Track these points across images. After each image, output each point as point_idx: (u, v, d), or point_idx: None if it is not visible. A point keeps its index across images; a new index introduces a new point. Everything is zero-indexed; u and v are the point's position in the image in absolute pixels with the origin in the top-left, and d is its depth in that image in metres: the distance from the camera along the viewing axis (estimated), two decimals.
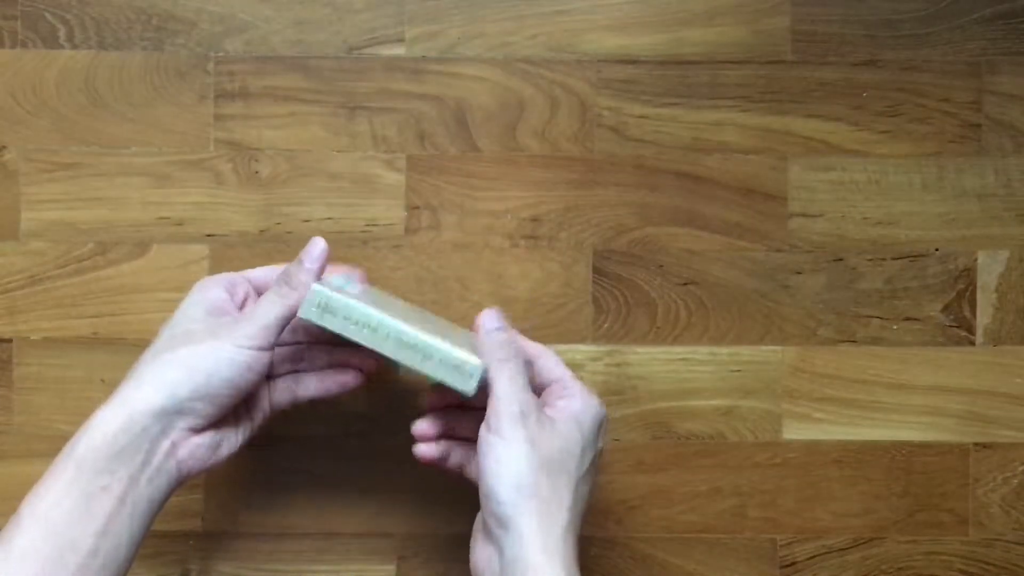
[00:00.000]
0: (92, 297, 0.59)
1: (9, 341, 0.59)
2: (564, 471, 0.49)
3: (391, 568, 0.60)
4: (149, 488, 0.47)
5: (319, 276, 0.51)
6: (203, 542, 0.59)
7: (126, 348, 0.59)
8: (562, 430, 0.50)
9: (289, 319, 0.50)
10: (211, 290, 0.52)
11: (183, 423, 0.48)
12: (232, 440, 0.51)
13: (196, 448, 0.49)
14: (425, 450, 0.53)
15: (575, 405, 0.51)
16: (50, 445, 0.59)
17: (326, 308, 0.49)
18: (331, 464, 0.60)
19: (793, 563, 0.60)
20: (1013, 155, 0.60)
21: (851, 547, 0.60)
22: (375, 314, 0.49)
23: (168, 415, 0.48)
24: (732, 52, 0.60)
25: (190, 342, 0.49)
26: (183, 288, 0.59)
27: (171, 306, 0.59)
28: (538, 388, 0.53)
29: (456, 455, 0.53)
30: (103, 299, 0.59)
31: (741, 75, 0.60)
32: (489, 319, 0.52)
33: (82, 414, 0.59)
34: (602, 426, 0.52)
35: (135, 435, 0.47)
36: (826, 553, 0.60)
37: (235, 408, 0.51)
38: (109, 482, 0.46)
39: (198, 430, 0.49)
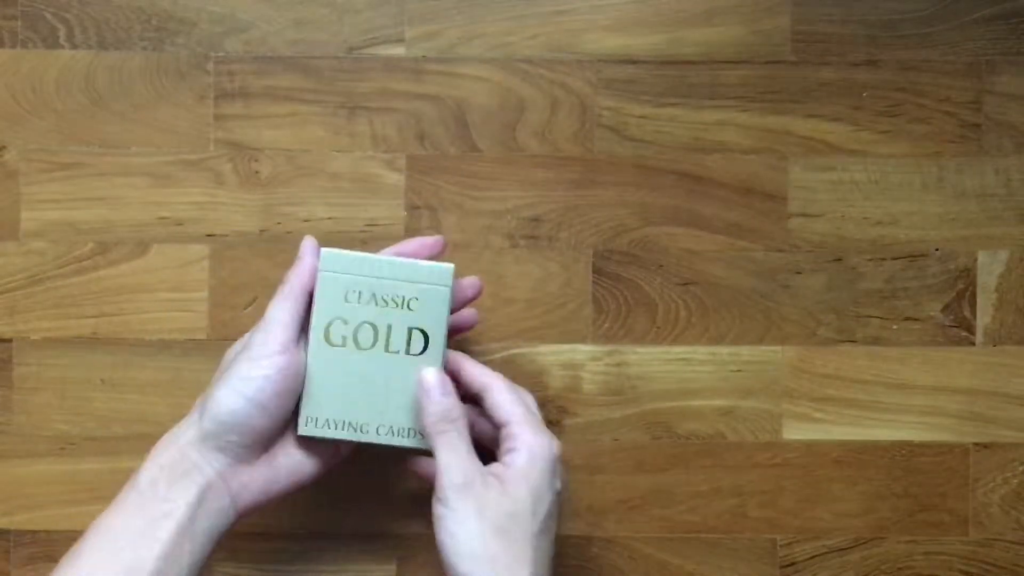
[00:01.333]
0: (92, 297, 0.59)
1: (9, 341, 0.59)
2: (519, 531, 0.49)
3: (391, 568, 0.60)
4: (208, 519, 0.49)
5: (314, 268, 0.51)
6: None
7: (126, 348, 0.59)
8: (511, 491, 0.49)
9: (297, 308, 0.50)
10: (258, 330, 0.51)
11: (225, 458, 0.49)
12: (289, 476, 0.51)
13: (249, 481, 0.50)
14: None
15: (520, 459, 0.50)
16: (50, 445, 0.59)
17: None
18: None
19: (793, 563, 0.60)
20: (1013, 155, 0.60)
21: (851, 547, 0.60)
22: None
23: (210, 451, 0.49)
24: (732, 52, 0.60)
25: (221, 376, 0.50)
26: (183, 288, 0.59)
27: (171, 306, 0.59)
28: (491, 426, 0.53)
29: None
30: (103, 299, 0.59)
31: (741, 75, 0.60)
32: (430, 385, 0.51)
33: (82, 414, 0.59)
34: (555, 467, 0.51)
35: (187, 468, 0.48)
36: (826, 553, 0.60)
37: (288, 439, 0.51)
38: (171, 509, 0.48)
39: (247, 462, 0.50)
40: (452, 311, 0.54)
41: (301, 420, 0.51)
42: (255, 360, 0.49)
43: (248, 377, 0.49)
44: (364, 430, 0.52)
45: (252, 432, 0.49)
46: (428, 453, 0.51)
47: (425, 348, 0.52)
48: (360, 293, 0.51)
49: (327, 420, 0.51)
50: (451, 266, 0.52)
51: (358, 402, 0.51)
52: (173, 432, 0.50)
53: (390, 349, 0.52)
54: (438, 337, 0.52)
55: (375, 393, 0.51)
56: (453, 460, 0.49)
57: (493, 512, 0.48)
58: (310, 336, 0.51)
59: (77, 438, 0.59)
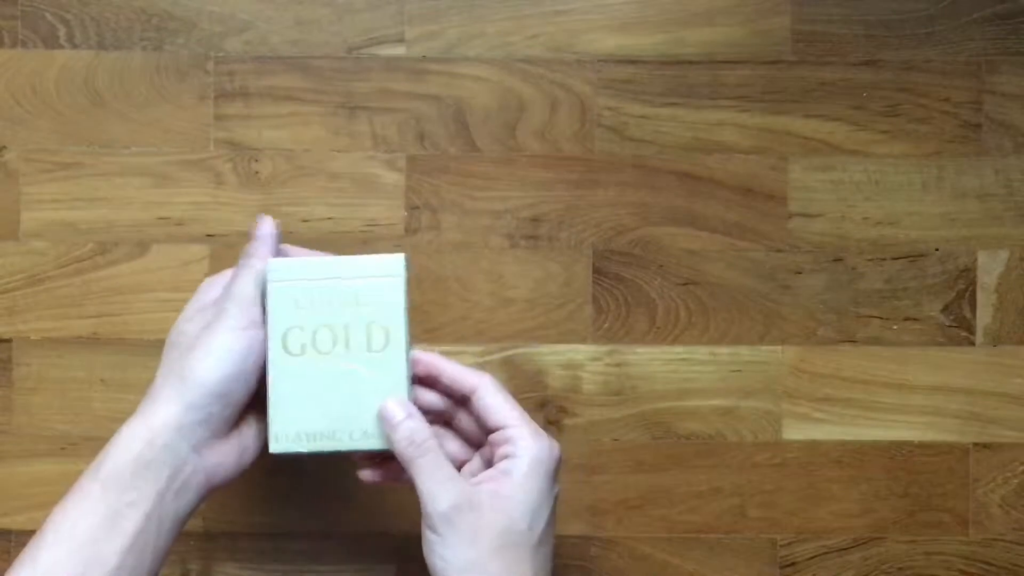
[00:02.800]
0: (92, 297, 0.59)
1: (9, 341, 0.59)
2: (516, 548, 0.47)
3: (391, 568, 0.60)
4: (176, 503, 0.47)
5: (275, 245, 0.51)
6: (203, 542, 0.59)
7: (126, 348, 0.59)
8: (506, 507, 0.47)
9: (260, 292, 0.50)
10: (208, 292, 0.52)
11: (204, 431, 0.48)
12: (256, 442, 0.51)
13: (224, 455, 0.49)
14: (370, 475, 0.52)
15: (522, 467, 0.47)
16: (50, 445, 0.59)
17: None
18: (331, 464, 0.59)
19: (793, 563, 0.60)
20: (1013, 155, 0.60)
21: (851, 547, 0.60)
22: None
23: (190, 426, 0.47)
24: (732, 52, 0.60)
25: (191, 347, 0.49)
26: (183, 288, 0.59)
27: (171, 306, 0.59)
28: (481, 430, 0.50)
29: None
30: (103, 299, 0.59)
31: (741, 75, 0.60)
32: (391, 413, 0.49)
33: (82, 414, 0.59)
34: (556, 473, 0.49)
35: (159, 450, 0.47)
36: (826, 553, 0.60)
37: (251, 407, 0.51)
38: (135, 499, 0.46)
39: (222, 435, 0.49)
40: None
41: (271, 438, 0.49)
42: (235, 331, 0.48)
43: (232, 348, 0.48)
44: (337, 437, 0.50)
45: (233, 403, 0.48)
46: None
47: (387, 343, 0.50)
48: (312, 298, 0.50)
49: (297, 434, 0.50)
50: (401, 256, 0.50)
51: (327, 410, 0.50)
52: (140, 418, 0.48)
53: (351, 349, 0.50)
54: (398, 330, 0.50)
55: (341, 397, 0.50)
56: (434, 487, 0.47)
57: (488, 534, 0.46)
58: (268, 349, 0.50)
59: (77, 438, 0.59)
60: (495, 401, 0.49)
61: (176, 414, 0.47)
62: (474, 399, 0.50)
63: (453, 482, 0.47)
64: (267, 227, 0.52)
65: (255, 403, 0.51)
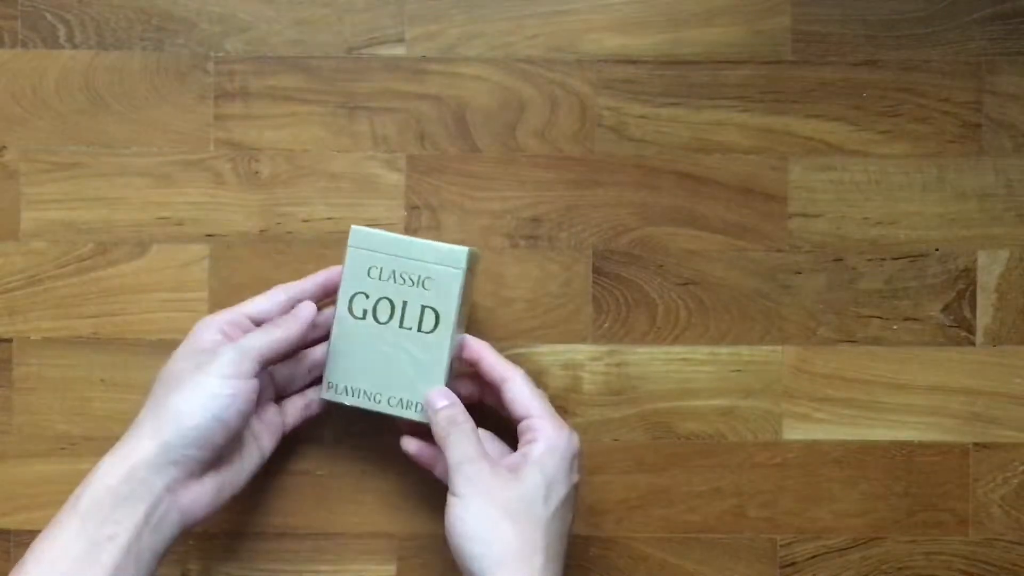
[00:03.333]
0: (92, 297, 0.59)
1: (9, 341, 0.59)
2: (529, 515, 0.50)
3: (391, 568, 0.60)
4: (153, 537, 0.48)
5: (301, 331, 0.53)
6: (203, 542, 0.59)
7: (126, 348, 0.59)
8: (523, 476, 0.51)
9: (278, 350, 0.51)
10: (204, 333, 0.52)
11: (178, 472, 0.48)
12: (235, 480, 0.52)
13: (198, 495, 0.50)
14: (413, 446, 0.56)
15: (537, 449, 0.52)
16: (50, 445, 0.59)
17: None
18: (331, 464, 0.60)
19: (793, 563, 0.60)
20: (1013, 155, 0.60)
21: (851, 547, 0.60)
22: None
23: (164, 465, 0.48)
24: (732, 52, 0.60)
25: (178, 386, 0.49)
26: (183, 288, 0.59)
27: (171, 306, 0.59)
28: (512, 417, 0.54)
29: (442, 465, 0.55)
30: (103, 299, 0.59)
31: (741, 75, 0.60)
32: (433, 400, 0.53)
33: (82, 414, 0.59)
34: (574, 460, 0.53)
35: (136, 486, 0.47)
36: (826, 553, 0.60)
37: (234, 447, 0.52)
38: (115, 531, 0.47)
39: (197, 476, 0.49)
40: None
41: (324, 385, 0.55)
42: (227, 379, 0.49)
43: (217, 394, 0.49)
44: (377, 400, 0.55)
45: (211, 448, 0.49)
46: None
47: (436, 327, 0.54)
48: (382, 270, 0.54)
49: (346, 388, 0.55)
50: (466, 249, 0.54)
51: (373, 373, 0.54)
52: (119, 453, 0.48)
53: (404, 325, 0.54)
54: (449, 317, 0.54)
55: (389, 366, 0.54)
56: (460, 454, 0.51)
57: (502, 496, 0.50)
58: (337, 307, 0.55)
59: (77, 438, 0.59)
60: (522, 393, 0.53)
61: (151, 452, 0.48)
62: (504, 389, 0.54)
63: (479, 453, 0.51)
64: (304, 315, 0.53)
65: (237, 444, 0.52)
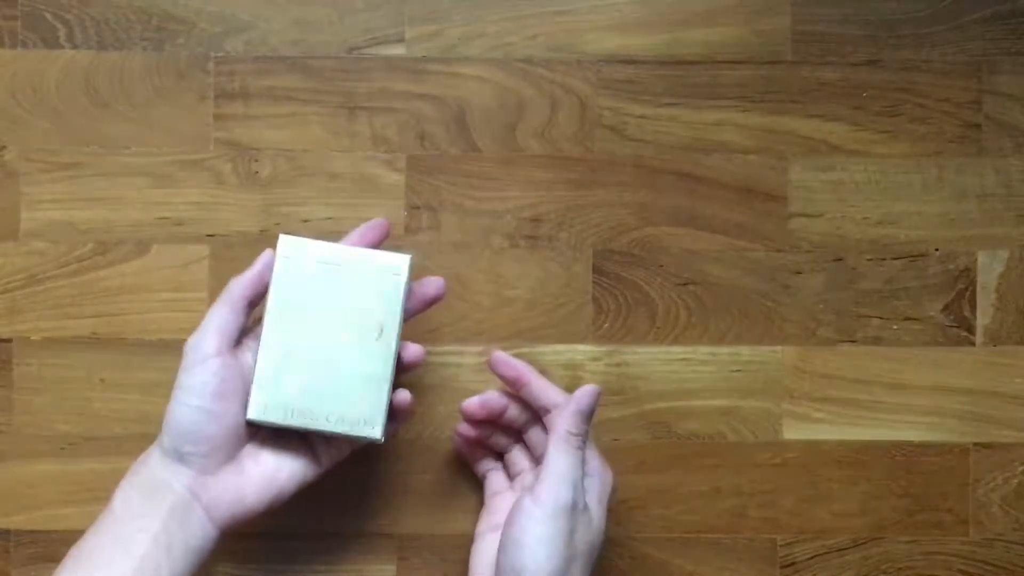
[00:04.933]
0: (92, 297, 0.59)
1: (9, 341, 0.59)
2: (589, 562, 0.51)
3: (391, 568, 0.60)
4: (182, 531, 0.49)
5: (260, 278, 0.51)
6: None
7: (126, 348, 0.59)
8: (596, 523, 0.52)
9: (234, 322, 0.51)
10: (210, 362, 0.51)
11: (191, 469, 0.50)
12: (259, 478, 0.51)
13: (220, 492, 0.50)
14: (466, 429, 0.56)
15: (598, 488, 0.53)
16: (50, 445, 0.59)
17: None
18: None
19: (793, 563, 0.60)
20: (1013, 155, 0.60)
21: (851, 547, 0.60)
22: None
23: (173, 465, 0.50)
24: (732, 52, 0.60)
25: (173, 391, 0.50)
26: (183, 288, 0.59)
27: (171, 306, 0.59)
28: (536, 411, 0.55)
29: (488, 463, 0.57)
30: (103, 299, 0.59)
31: (741, 75, 0.60)
32: (585, 394, 0.52)
33: (82, 414, 0.59)
34: (606, 490, 0.54)
35: (157, 484, 0.49)
36: (826, 553, 0.60)
37: (263, 447, 0.52)
38: (143, 525, 0.48)
39: (211, 472, 0.50)
40: (414, 310, 0.54)
41: (250, 405, 0.51)
42: (190, 368, 0.50)
43: (187, 386, 0.49)
44: (314, 417, 0.51)
45: (206, 439, 0.49)
46: (371, 445, 0.52)
47: (379, 337, 0.51)
48: (316, 279, 0.51)
49: (277, 406, 0.51)
50: (407, 256, 0.52)
51: (309, 389, 0.51)
52: (142, 455, 0.51)
53: (343, 337, 0.51)
54: (392, 326, 0.52)
55: (327, 381, 0.51)
56: (568, 474, 0.51)
57: (582, 543, 0.50)
58: (264, 320, 0.51)
59: (77, 438, 0.59)
60: (572, 419, 0.52)
61: (159, 456, 0.50)
62: (552, 414, 0.53)
63: (581, 485, 0.52)
64: (262, 261, 0.52)
65: (260, 440, 0.52)
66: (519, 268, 0.60)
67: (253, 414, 0.51)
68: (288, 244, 0.51)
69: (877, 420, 0.60)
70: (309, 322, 0.51)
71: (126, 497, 0.49)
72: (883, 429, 0.60)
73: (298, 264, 0.51)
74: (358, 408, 0.51)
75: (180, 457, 0.49)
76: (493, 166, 0.60)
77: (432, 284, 0.54)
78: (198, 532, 0.49)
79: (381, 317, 0.51)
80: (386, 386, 0.51)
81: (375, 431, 0.51)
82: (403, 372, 0.53)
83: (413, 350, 0.53)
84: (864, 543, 0.60)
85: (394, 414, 0.53)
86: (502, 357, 0.54)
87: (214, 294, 0.59)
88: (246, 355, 0.51)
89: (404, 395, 0.52)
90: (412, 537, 0.60)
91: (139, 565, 0.47)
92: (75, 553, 0.49)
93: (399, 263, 0.52)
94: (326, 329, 0.51)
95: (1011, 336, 0.60)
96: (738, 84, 0.60)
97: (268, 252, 0.52)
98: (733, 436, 0.60)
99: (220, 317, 0.50)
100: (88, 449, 0.59)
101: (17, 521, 0.59)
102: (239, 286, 0.51)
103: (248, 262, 0.59)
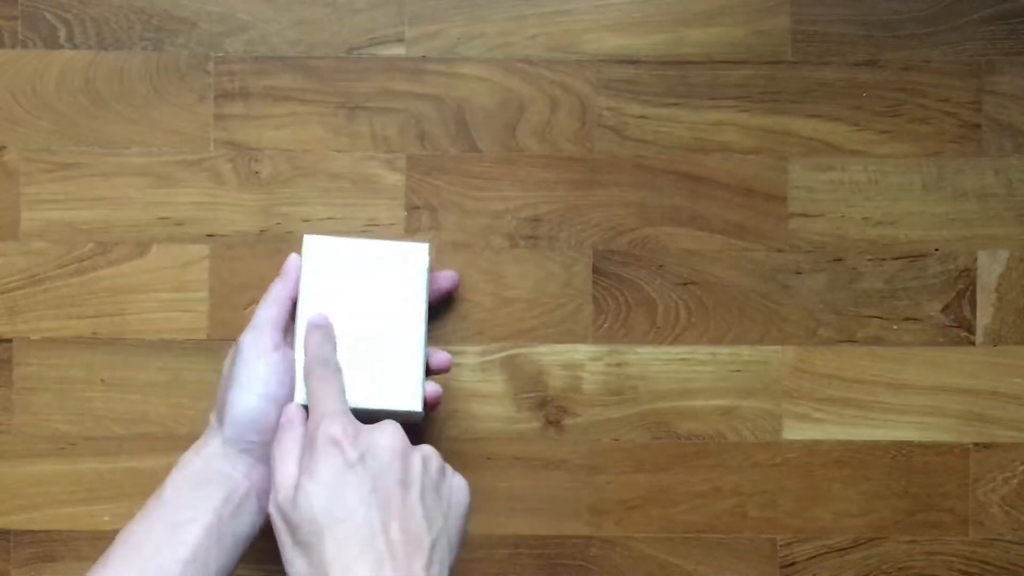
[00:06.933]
0: (92, 297, 0.59)
1: (9, 341, 0.59)
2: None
3: None
4: (234, 521, 0.50)
5: (297, 281, 0.53)
6: None
7: (126, 348, 0.59)
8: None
9: (285, 308, 0.53)
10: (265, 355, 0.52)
11: (251, 458, 0.50)
12: None
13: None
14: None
15: None
16: (50, 445, 0.59)
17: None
18: None
19: (793, 563, 0.60)
20: (1013, 155, 0.60)
21: (851, 547, 0.60)
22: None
23: (234, 455, 0.50)
24: (732, 52, 0.60)
25: (226, 384, 0.51)
26: (183, 288, 0.59)
27: (171, 306, 0.59)
28: None
29: None
30: (103, 299, 0.59)
31: (741, 75, 0.60)
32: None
33: (82, 414, 0.59)
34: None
35: (212, 474, 0.50)
36: (826, 553, 0.60)
37: None
38: (195, 515, 0.49)
39: (266, 462, 0.50)
40: (430, 301, 0.55)
41: (297, 391, 0.52)
42: (251, 362, 0.51)
43: (254, 376, 0.50)
44: (357, 397, 0.53)
45: (268, 428, 0.50)
46: (410, 424, 0.52)
47: (408, 318, 0.54)
48: (341, 274, 0.53)
49: None
50: (425, 244, 0.54)
51: (349, 372, 0.53)
52: (194, 448, 0.51)
53: (375, 322, 0.53)
54: (418, 309, 0.54)
55: (365, 364, 0.53)
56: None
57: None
58: (298, 315, 0.53)
59: (77, 438, 0.59)
60: None
61: (219, 446, 0.50)
62: None
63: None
64: (293, 265, 0.54)
65: None
66: (519, 268, 0.60)
67: (301, 398, 0.52)
68: (313, 243, 0.54)
69: (877, 420, 0.60)
70: (341, 311, 0.53)
71: (177, 487, 0.50)
72: (883, 429, 0.60)
73: (324, 260, 0.54)
74: (397, 385, 0.53)
75: (243, 448, 0.50)
76: (493, 166, 0.60)
77: (447, 278, 0.58)
78: (248, 521, 0.50)
79: (408, 301, 0.54)
80: (420, 363, 0.53)
81: (416, 404, 0.53)
82: (429, 375, 0.55)
83: (441, 357, 0.55)
84: (864, 543, 0.60)
85: (425, 403, 0.54)
86: None
87: (214, 294, 0.59)
88: (289, 350, 0.53)
89: (434, 387, 0.54)
90: None
91: (191, 553, 0.48)
92: (124, 538, 0.49)
93: (418, 252, 0.54)
94: (358, 316, 0.53)
95: (1011, 336, 0.60)
96: (738, 84, 0.60)
97: (294, 256, 0.54)
98: (733, 436, 0.60)
99: (273, 315, 0.52)
100: (88, 449, 0.59)
101: (17, 521, 0.59)
102: (284, 288, 0.53)
103: (248, 262, 0.59)
